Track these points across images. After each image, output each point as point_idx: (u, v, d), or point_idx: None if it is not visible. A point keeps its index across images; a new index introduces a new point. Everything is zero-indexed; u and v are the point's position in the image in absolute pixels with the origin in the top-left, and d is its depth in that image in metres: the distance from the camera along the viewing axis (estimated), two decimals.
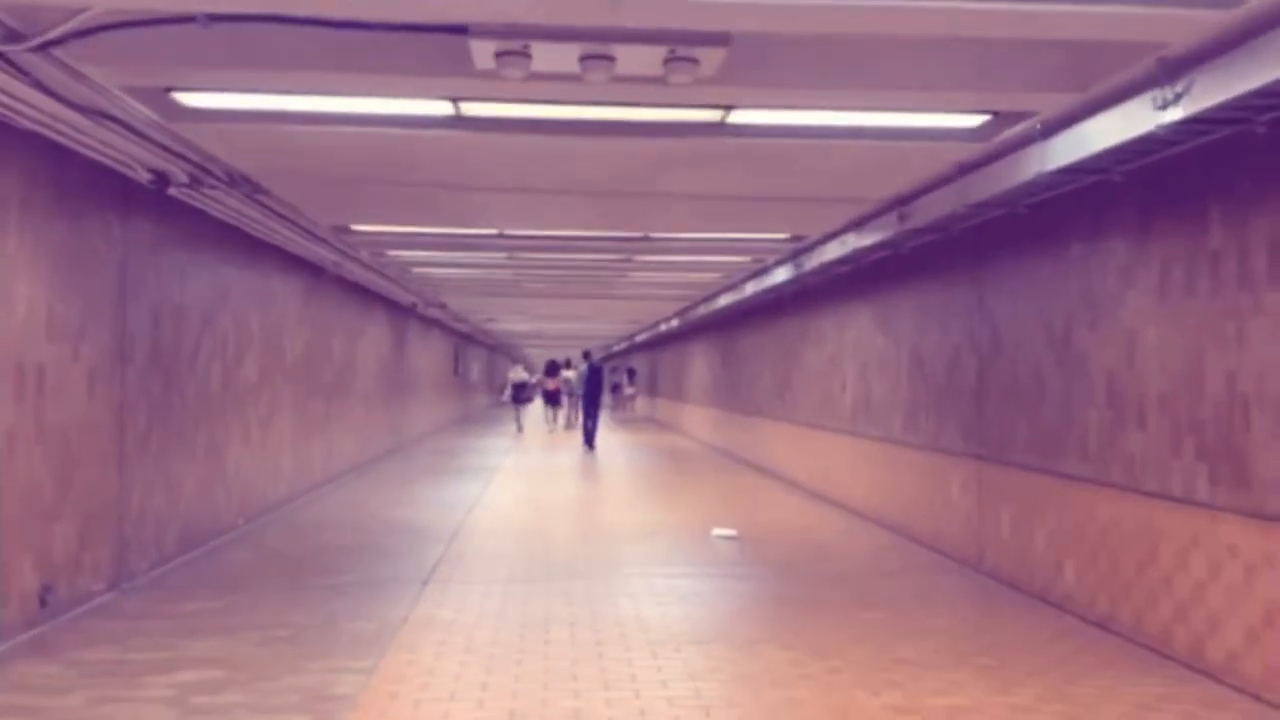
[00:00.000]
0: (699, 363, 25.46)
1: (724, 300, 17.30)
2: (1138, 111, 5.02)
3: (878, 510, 11.28)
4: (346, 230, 10.82)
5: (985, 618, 7.15)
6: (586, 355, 26.27)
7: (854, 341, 12.32)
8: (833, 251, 10.47)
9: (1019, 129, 6.03)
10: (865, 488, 11.76)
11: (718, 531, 10.56)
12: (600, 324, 29.76)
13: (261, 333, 11.17)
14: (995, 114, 5.96)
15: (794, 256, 11.86)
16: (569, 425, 30.45)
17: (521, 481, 15.61)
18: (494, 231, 10.78)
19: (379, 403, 18.82)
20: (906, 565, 9.03)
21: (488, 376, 48.43)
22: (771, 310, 16.58)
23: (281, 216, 9.65)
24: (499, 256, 12.99)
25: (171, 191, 7.92)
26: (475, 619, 6.84)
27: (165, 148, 7.17)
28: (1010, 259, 8.08)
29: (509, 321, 28.81)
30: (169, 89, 5.66)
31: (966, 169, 7.13)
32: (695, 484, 15.58)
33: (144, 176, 7.54)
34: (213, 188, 8.05)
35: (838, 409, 13.05)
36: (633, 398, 39.40)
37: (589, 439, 22.57)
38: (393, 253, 12.90)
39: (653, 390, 38.34)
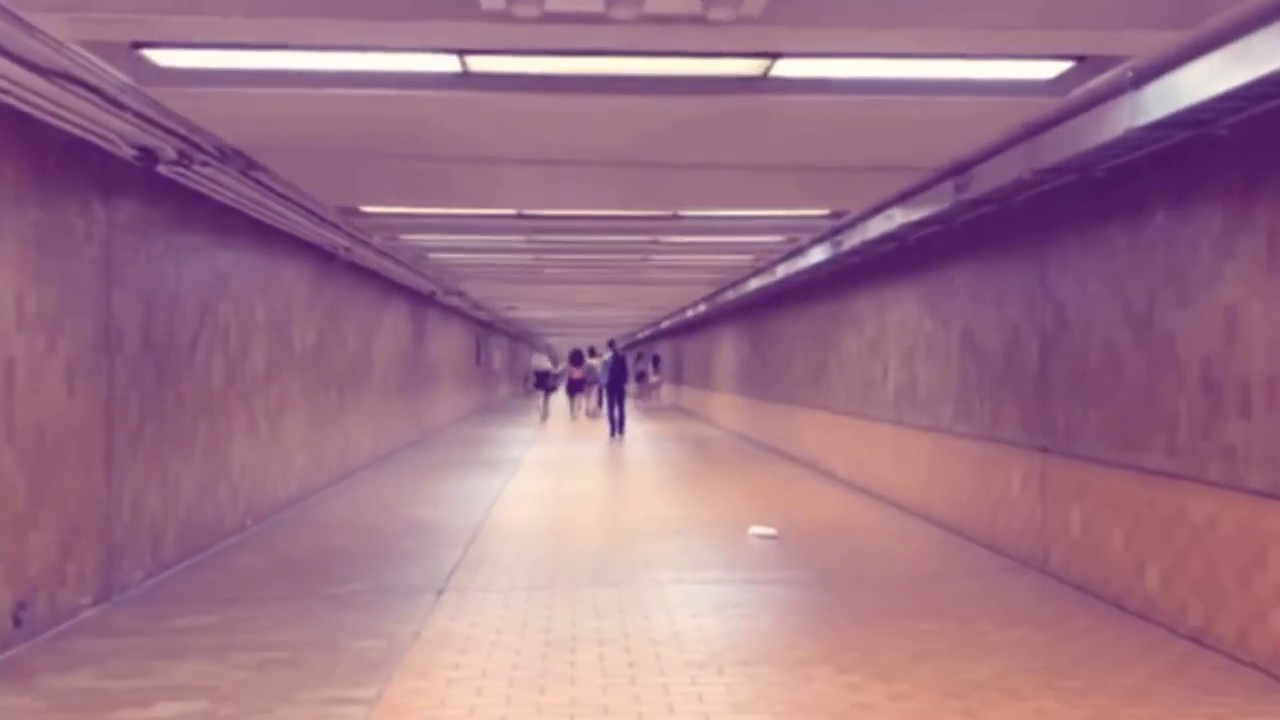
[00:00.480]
0: (727, 349, 24.74)
1: (754, 284, 16.57)
2: (1263, 46, 4.26)
3: (925, 505, 10.55)
4: (355, 212, 10.16)
5: (1059, 628, 6.42)
6: (611, 344, 26.19)
7: (897, 324, 11.57)
8: (876, 228, 9.72)
9: (1107, 77, 5.28)
10: (911, 481, 11.03)
11: (755, 530, 9.86)
12: (624, 311, 29.11)
13: (268, 322, 10.55)
14: (1079, 59, 5.21)
15: (833, 234, 11.11)
16: (591, 414, 30.46)
17: (545, 475, 14.97)
18: (512, 212, 10.11)
19: (398, 394, 18.23)
20: (962, 566, 8.31)
21: (510, 366, 47.87)
22: (805, 293, 15.83)
23: (284, 198, 9.00)
24: (518, 240, 12.31)
25: (160, 169, 7.28)
26: (494, 634, 6.18)
27: (148, 119, 6.52)
28: (1079, 229, 7.32)
29: (530, 309, 28.18)
30: (136, 44, 4.99)
31: (1035, 129, 6.38)
32: (726, 475, 14.89)
33: (128, 152, 6.90)
34: (204, 165, 7.40)
35: (879, 396, 12.31)
36: (658, 386, 38.72)
37: (617, 426, 22.47)
38: (406, 237, 12.24)
39: (678, 378, 37.66)
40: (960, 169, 7.55)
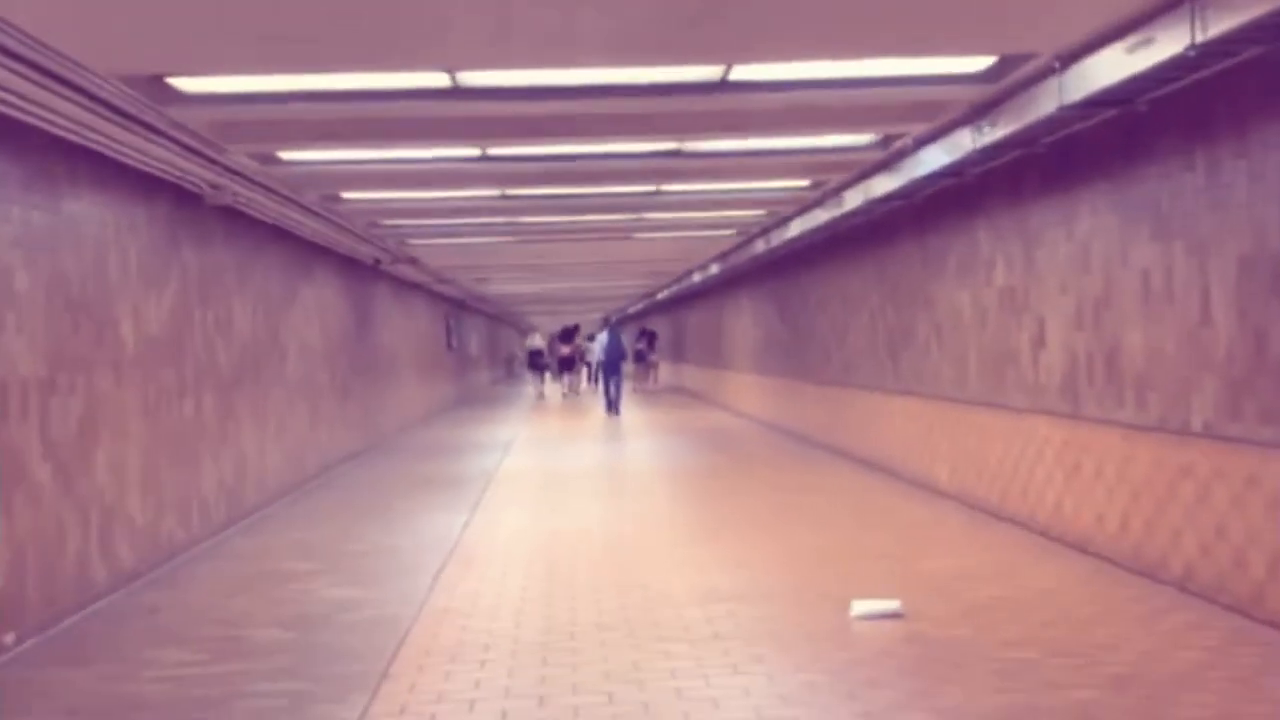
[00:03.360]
0: (745, 319, 20.51)
1: (796, 228, 12.34)
2: None
3: (1143, 555, 6.37)
4: (165, 91, 5.84)
5: None
6: (607, 321, 25.81)
7: (1066, 262, 7.36)
8: (1098, 76, 5.46)
9: None
10: (1111, 512, 6.84)
11: (861, 609, 5.77)
12: (614, 281, 24.93)
13: (48, 298, 6.30)
14: None
15: (980, 116, 6.82)
16: (573, 390, 30.97)
17: (525, 500, 10.75)
18: (443, 84, 5.83)
19: (332, 392, 13.95)
20: None
21: (489, 349, 43.58)
22: (874, 233, 11.61)
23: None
24: (468, 157, 8.04)
25: None
26: None
27: None
28: None
29: (504, 282, 23.92)
30: None
31: None
32: (777, 492, 10.70)
33: None
34: None
35: (1024, 375, 8.12)
36: (655, 365, 34.44)
37: (613, 405, 22.35)
38: (291, 156, 7.95)
39: (678, 355, 33.48)
40: None
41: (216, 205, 8.90)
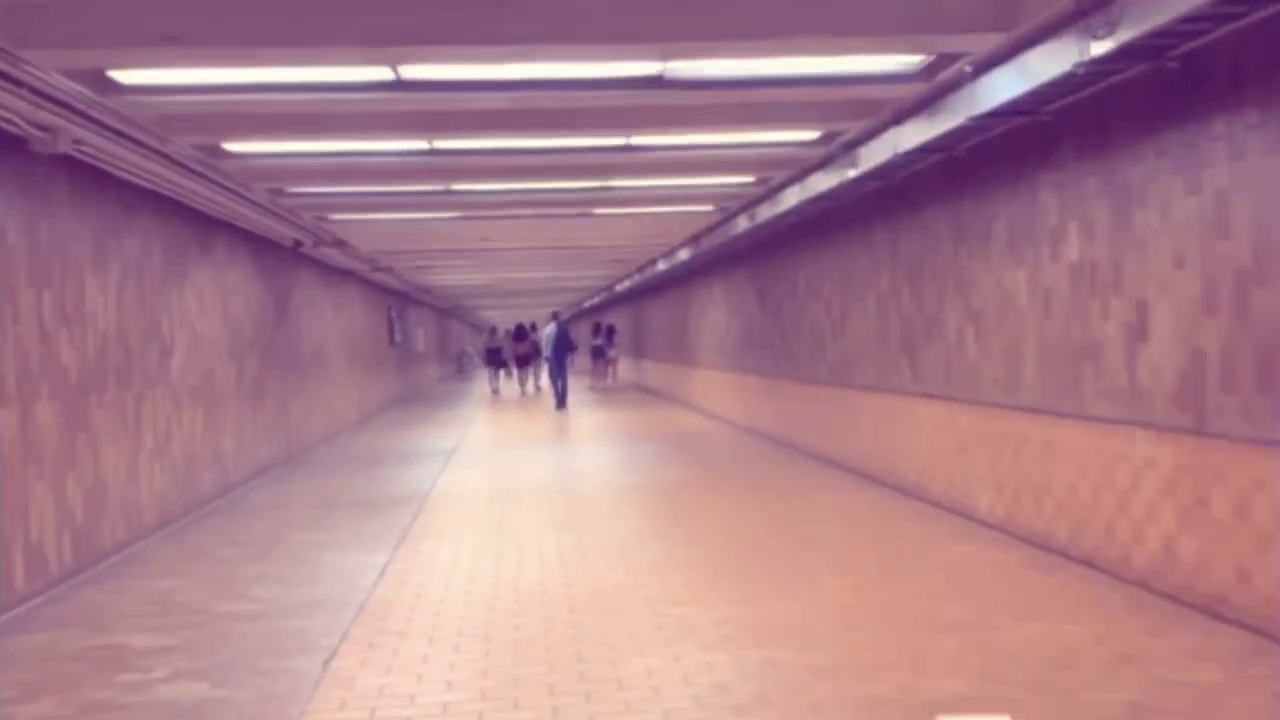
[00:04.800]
0: (718, 309, 18.55)
1: (793, 197, 10.38)
2: None
3: None
4: None
5: None
6: (555, 316, 24.57)
7: (1180, 224, 5.44)
8: None
9: None
10: (1263, 568, 4.93)
11: None
12: (570, 271, 22.94)
13: None
14: None
15: (1093, 11, 4.86)
16: (530, 387, 30.28)
17: (462, 528, 8.68)
18: None
19: (239, 394, 11.78)
20: None
21: (439, 345, 41.29)
22: (884, 200, 9.67)
23: None
24: (376, 86, 5.97)
25: None
26: None
27: None
28: None
29: (449, 271, 21.78)
30: None
31: None
32: (775, 521, 8.73)
33: None
34: None
35: (1114, 375, 6.21)
36: (614, 362, 32.37)
37: (561, 400, 22.17)
38: (127, 75, 5.81)
39: (638, 350, 31.51)
40: None
41: (49, 154, 6.75)
